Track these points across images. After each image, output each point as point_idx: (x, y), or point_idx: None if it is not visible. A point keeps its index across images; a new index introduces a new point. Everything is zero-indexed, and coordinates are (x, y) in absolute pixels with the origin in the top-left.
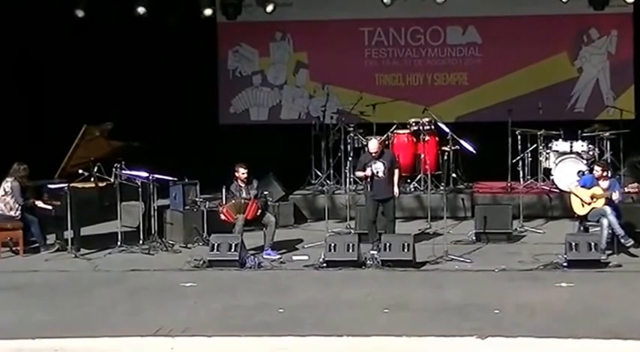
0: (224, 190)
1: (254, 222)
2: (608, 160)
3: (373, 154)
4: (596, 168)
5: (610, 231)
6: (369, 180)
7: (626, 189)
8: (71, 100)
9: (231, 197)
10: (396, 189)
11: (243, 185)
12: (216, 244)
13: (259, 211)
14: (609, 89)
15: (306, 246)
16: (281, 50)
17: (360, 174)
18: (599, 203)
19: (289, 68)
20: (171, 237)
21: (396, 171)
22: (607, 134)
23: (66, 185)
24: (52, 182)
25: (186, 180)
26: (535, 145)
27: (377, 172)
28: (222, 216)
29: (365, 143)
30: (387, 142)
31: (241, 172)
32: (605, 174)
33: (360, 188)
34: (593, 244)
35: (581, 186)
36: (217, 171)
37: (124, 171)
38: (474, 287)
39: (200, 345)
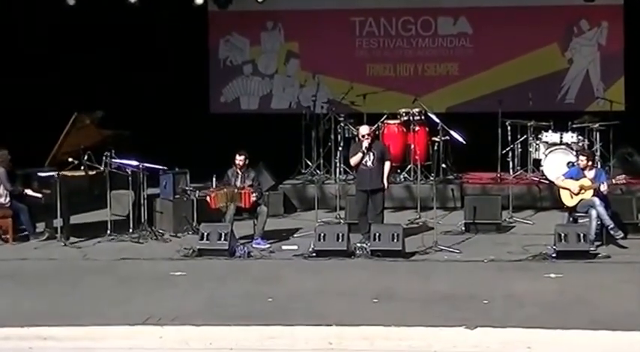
0: (214, 179)
1: (247, 211)
2: (597, 151)
3: (365, 138)
4: (581, 157)
5: (599, 222)
6: (356, 170)
7: (614, 181)
8: (62, 88)
9: (225, 181)
10: (384, 181)
11: (240, 172)
12: (205, 233)
13: (254, 195)
14: (599, 80)
15: (295, 236)
16: (272, 40)
17: (356, 158)
18: (588, 194)
19: (280, 58)
20: (161, 226)
21: (387, 163)
22: (597, 125)
23: (56, 173)
24: (42, 170)
25: (177, 169)
26: (525, 136)
27: (365, 161)
28: (208, 199)
29: (356, 133)
30: (377, 132)
31: (238, 159)
32: (590, 163)
33: (349, 178)
34: (582, 235)
35: (569, 178)
36: (207, 160)
37: (114, 160)
38: (463, 277)
39: (189, 334)
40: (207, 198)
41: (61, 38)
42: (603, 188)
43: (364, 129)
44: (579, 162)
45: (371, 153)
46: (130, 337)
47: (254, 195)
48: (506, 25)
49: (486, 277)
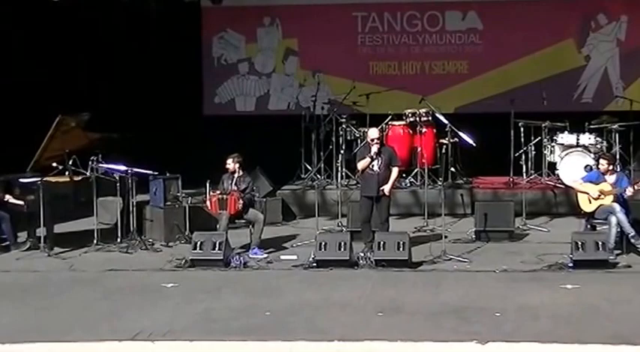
0: (208, 185)
1: (239, 218)
2: (617, 154)
3: (374, 142)
4: (602, 161)
5: (619, 230)
6: (362, 175)
7: (637, 187)
8: (46, 89)
9: (220, 187)
10: (387, 187)
11: (235, 176)
12: (199, 242)
13: (240, 202)
14: (618, 78)
15: (294, 245)
16: (269, 36)
17: (363, 163)
18: (608, 200)
19: (278, 55)
20: (152, 235)
21: (395, 170)
22: (616, 126)
23: (39, 179)
24: (24, 176)
25: (168, 174)
26: (539, 138)
27: (372, 166)
28: (208, 204)
29: (358, 135)
30: (381, 134)
31: (227, 163)
32: (611, 167)
33: (352, 183)
34: (600, 243)
35: (587, 182)
36: (200, 164)
37: (101, 165)
38: (473, 288)
39: (182, 350)
40: (208, 203)
41: (46, 36)
42: (629, 191)
43: (373, 133)
44: (600, 165)
45: (379, 158)
46: None
47: (240, 201)
48: (518, 19)
49: (498, 288)
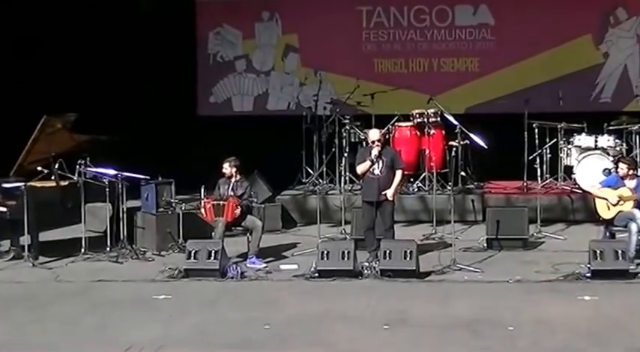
0: (203, 190)
1: (236, 225)
2: (637, 157)
3: (375, 144)
4: (621, 165)
5: (639, 238)
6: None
7: None
8: (30, 88)
9: (215, 192)
10: (389, 191)
11: (232, 181)
12: (193, 251)
13: (238, 209)
14: (639, 76)
15: (295, 254)
16: (268, 32)
17: (363, 166)
18: (628, 206)
19: (277, 52)
20: (143, 244)
21: (398, 172)
22: (636, 127)
23: (23, 184)
24: (7, 180)
25: (160, 179)
26: (555, 140)
27: (372, 169)
28: (202, 211)
29: (363, 137)
30: (387, 136)
31: (224, 167)
32: (631, 172)
33: (356, 188)
34: (620, 252)
35: (606, 187)
36: (195, 168)
37: (89, 169)
38: (485, 300)
39: None
40: (203, 210)
41: (32, 31)
42: None
43: (374, 135)
44: (619, 170)
45: (380, 161)
46: None
47: (237, 208)
48: (532, 14)
49: (512, 300)
